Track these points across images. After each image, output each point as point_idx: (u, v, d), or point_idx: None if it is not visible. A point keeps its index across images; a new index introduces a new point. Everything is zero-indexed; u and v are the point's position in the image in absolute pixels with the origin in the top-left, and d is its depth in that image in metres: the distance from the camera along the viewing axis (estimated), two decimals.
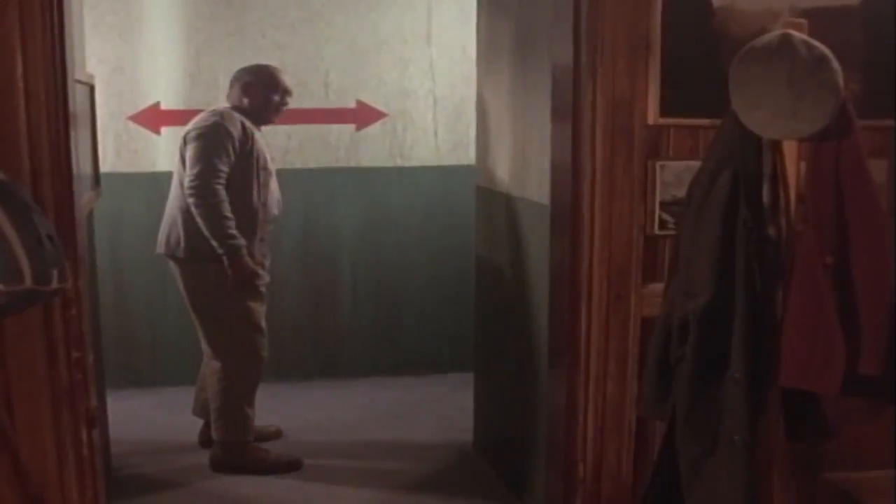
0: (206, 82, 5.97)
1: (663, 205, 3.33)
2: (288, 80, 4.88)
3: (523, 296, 4.28)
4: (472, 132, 5.49)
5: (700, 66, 3.23)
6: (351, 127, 6.25)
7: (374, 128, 6.28)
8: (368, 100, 6.28)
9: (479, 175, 4.90)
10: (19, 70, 2.79)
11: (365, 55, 6.24)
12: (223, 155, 4.62)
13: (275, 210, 4.88)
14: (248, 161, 4.68)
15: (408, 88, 6.31)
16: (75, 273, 3.00)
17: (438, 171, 6.36)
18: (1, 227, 2.55)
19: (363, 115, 6.26)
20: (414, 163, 6.35)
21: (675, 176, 3.30)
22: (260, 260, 4.81)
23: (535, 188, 4.01)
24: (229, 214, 4.59)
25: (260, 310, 4.83)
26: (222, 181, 4.61)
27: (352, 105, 6.23)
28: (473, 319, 5.10)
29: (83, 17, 4.45)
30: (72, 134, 3.05)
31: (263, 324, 4.84)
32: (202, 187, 4.56)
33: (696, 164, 3.01)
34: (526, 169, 4.18)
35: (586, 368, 3.44)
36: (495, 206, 4.64)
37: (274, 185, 4.87)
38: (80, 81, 3.66)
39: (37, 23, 2.81)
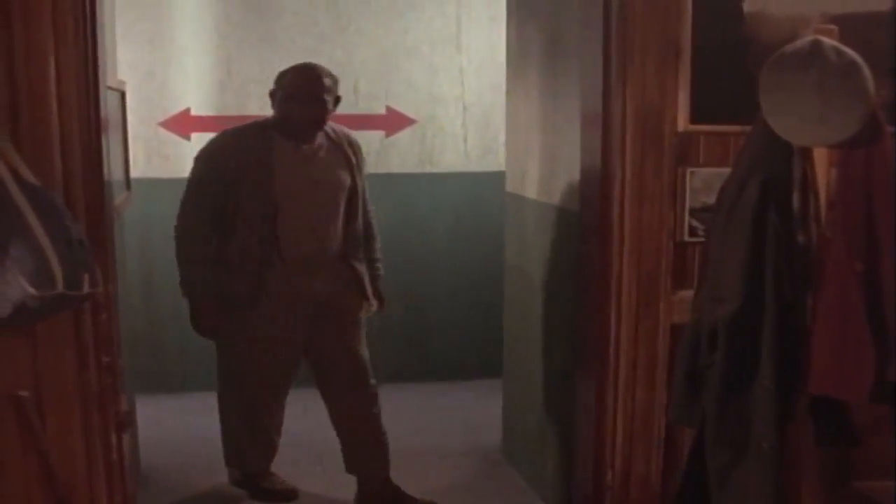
0: (236, 88, 6.00)
1: (693, 211, 3.32)
2: (313, 82, 4.08)
3: (552, 302, 4.28)
4: (502, 138, 5.49)
5: (730, 72, 3.22)
6: (380, 133, 6.26)
7: (404, 134, 6.30)
8: (398, 106, 6.29)
9: (509, 181, 4.90)
10: (52, 76, 2.81)
11: (394, 62, 6.25)
12: (204, 182, 4.13)
13: (308, 244, 4.17)
14: (258, 186, 4.05)
15: (437, 95, 6.32)
16: (106, 278, 3.01)
17: (468, 178, 6.37)
18: (33, 231, 2.57)
19: (393, 122, 6.27)
20: (443, 169, 6.36)
21: (704, 182, 3.29)
22: (270, 313, 4.17)
23: (565, 194, 4.00)
24: (195, 251, 4.15)
25: (252, 365, 4.29)
26: (199, 212, 4.12)
27: (381, 111, 6.25)
28: (502, 325, 5.10)
29: (114, 24, 4.47)
30: (103, 140, 3.07)
31: (258, 382, 4.36)
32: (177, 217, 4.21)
33: (725, 170, 3.01)
34: (555, 175, 4.18)
35: (615, 375, 3.43)
36: (524, 212, 4.64)
37: (317, 216, 4.16)
38: (111, 88, 3.69)
39: (69, 30, 2.83)
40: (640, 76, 3.25)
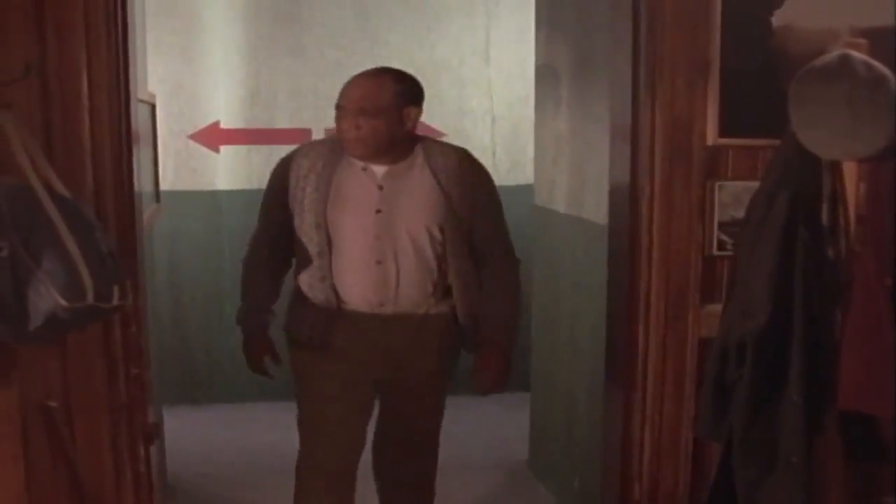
0: (266, 101, 6.03)
1: (722, 225, 3.31)
2: (361, 89, 3.47)
3: (580, 316, 4.27)
4: (530, 152, 5.50)
5: (759, 85, 3.21)
6: None
7: None
8: (426, 119, 6.27)
9: (537, 194, 4.90)
10: (84, 89, 2.83)
11: (423, 75, 6.20)
12: (267, 201, 3.67)
13: (370, 292, 3.52)
14: (312, 213, 3.49)
15: (466, 108, 6.34)
16: (135, 290, 3.03)
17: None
18: (65, 243, 2.58)
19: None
20: None
21: (733, 196, 3.28)
22: (333, 369, 3.59)
23: (593, 208, 4.00)
24: (250, 278, 3.73)
25: (320, 408, 3.68)
26: (261, 234, 3.71)
27: None
28: (530, 339, 5.09)
29: (145, 37, 4.51)
30: (134, 152, 3.09)
31: (328, 428, 3.68)
32: None
33: (754, 184, 3.00)
34: (584, 189, 4.18)
35: (643, 389, 3.42)
36: (553, 225, 4.64)
37: (380, 256, 3.48)
38: (142, 100, 3.71)
39: (102, 43, 2.85)
40: (669, 89, 3.25)
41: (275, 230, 3.64)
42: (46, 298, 2.54)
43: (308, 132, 5.89)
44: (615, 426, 3.55)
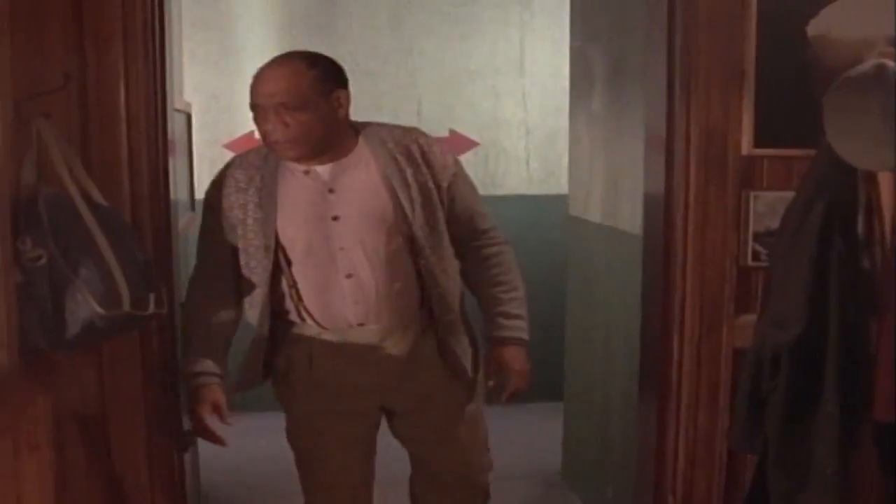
0: None
1: (757, 236, 3.29)
2: (274, 83, 2.92)
3: (614, 326, 4.26)
4: (565, 161, 5.49)
5: (794, 95, 3.20)
6: None
7: (467, 157, 6.31)
8: (461, 129, 6.31)
9: (572, 205, 4.90)
10: (122, 99, 2.86)
11: (457, 85, 6.28)
12: (204, 234, 3.15)
13: (344, 310, 3.07)
14: (258, 230, 3.02)
15: (500, 118, 6.34)
16: (171, 298, 3.05)
17: (530, 201, 6.37)
18: (102, 252, 2.61)
19: (456, 144, 6.28)
20: (506, 192, 6.37)
21: (768, 207, 3.26)
22: (315, 408, 3.19)
23: (628, 218, 3.99)
24: (190, 326, 3.12)
25: (311, 450, 3.30)
26: (201, 274, 3.14)
27: (444, 134, 6.27)
28: (564, 349, 5.08)
29: (182, 47, 4.54)
30: (170, 161, 3.12)
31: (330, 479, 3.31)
32: None
33: (789, 194, 2.98)
34: (618, 199, 4.17)
35: (677, 399, 3.41)
36: (588, 235, 4.63)
37: (347, 268, 3.02)
38: (178, 110, 3.74)
39: (139, 53, 2.88)
40: (704, 99, 3.24)
41: (218, 268, 3.10)
42: (84, 306, 2.56)
43: None
44: (649, 437, 3.54)
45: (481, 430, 3.39)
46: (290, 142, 2.91)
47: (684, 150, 3.27)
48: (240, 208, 3.02)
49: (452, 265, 3.17)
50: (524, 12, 6.35)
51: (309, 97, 2.90)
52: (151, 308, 2.68)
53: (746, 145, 3.25)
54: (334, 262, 3.00)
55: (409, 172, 3.03)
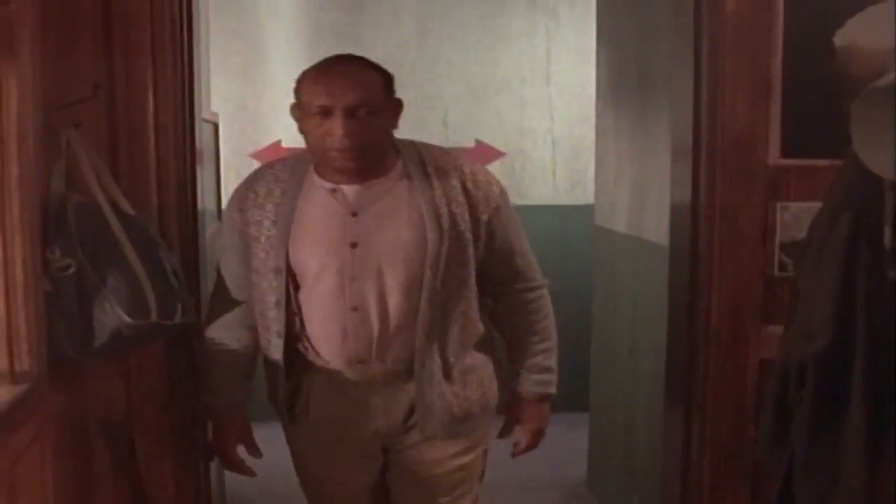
0: None
1: (783, 246, 3.28)
2: (338, 83, 2.66)
3: (640, 336, 4.25)
4: (591, 171, 5.49)
5: (821, 105, 3.18)
6: None
7: (493, 167, 6.31)
8: (487, 139, 6.32)
9: (598, 214, 4.89)
10: (150, 109, 2.87)
11: (484, 94, 6.29)
12: (224, 252, 2.94)
13: (351, 348, 2.80)
14: (271, 252, 2.78)
15: (526, 128, 6.36)
16: (198, 307, 3.06)
17: (556, 211, 6.38)
18: (129, 261, 2.62)
19: (482, 154, 6.30)
20: (532, 202, 6.37)
21: (795, 217, 3.25)
22: (315, 447, 3.03)
23: (654, 228, 3.99)
24: (211, 362, 2.95)
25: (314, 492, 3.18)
26: (221, 300, 2.94)
27: (471, 144, 6.28)
28: (589, 358, 5.08)
29: (209, 57, 4.56)
30: (197, 171, 3.13)
31: None
32: None
33: (816, 205, 2.97)
34: (644, 209, 4.17)
35: (703, 410, 3.40)
36: (613, 245, 4.63)
37: (362, 302, 2.75)
38: (205, 120, 3.76)
39: (167, 64, 2.90)
40: (731, 109, 3.23)
41: (237, 289, 2.90)
42: (111, 315, 2.58)
43: None
44: (675, 447, 3.53)
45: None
46: (357, 149, 2.64)
47: (711, 161, 3.26)
48: (255, 225, 2.78)
49: (475, 308, 2.88)
50: (550, 22, 6.36)
51: (383, 101, 2.70)
52: (178, 317, 2.70)
53: (773, 155, 3.24)
54: (343, 292, 2.73)
55: (444, 202, 2.74)
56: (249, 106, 6.06)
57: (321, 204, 2.76)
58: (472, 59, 6.27)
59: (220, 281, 2.93)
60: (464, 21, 6.28)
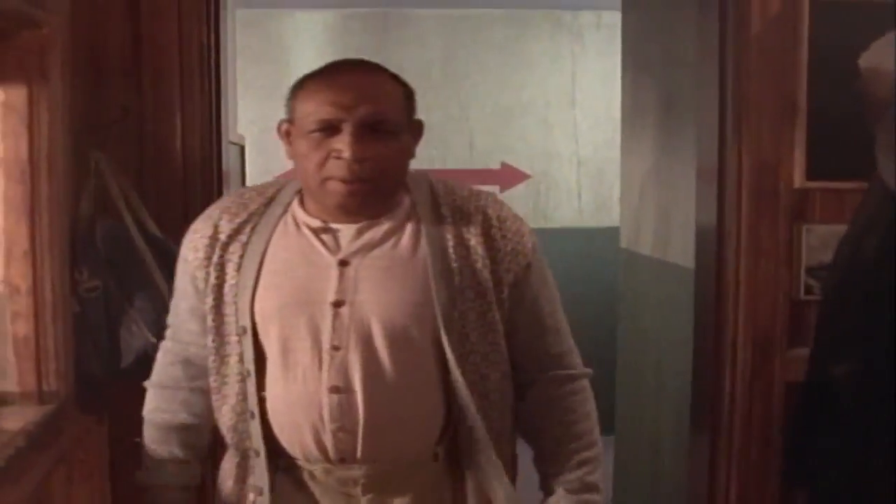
0: None
1: (809, 270, 3.27)
2: (347, 90, 2.04)
3: (665, 359, 4.24)
4: (616, 194, 5.49)
5: (846, 128, 3.18)
6: (495, 188, 6.31)
7: (518, 189, 6.34)
8: (513, 161, 6.33)
9: (623, 237, 4.89)
10: (178, 131, 2.90)
11: (509, 117, 6.31)
12: (175, 303, 2.28)
13: (327, 440, 2.07)
14: (234, 294, 2.11)
15: (552, 150, 6.37)
16: None
17: (582, 233, 6.38)
18: (156, 282, 2.64)
19: (507, 177, 6.31)
20: (557, 224, 6.38)
21: (821, 240, 3.24)
22: None
23: (679, 251, 3.98)
24: (155, 436, 2.28)
25: None
26: (169, 362, 2.30)
27: (496, 166, 6.30)
28: (614, 382, 5.07)
29: (236, 81, 4.59)
30: (224, 193, 3.15)
31: None
32: None
33: (842, 228, 2.97)
34: (669, 232, 4.16)
35: (729, 433, 3.38)
36: (639, 268, 4.62)
37: (346, 381, 2.03)
38: (232, 142, 3.78)
39: (195, 87, 2.93)
40: (756, 132, 3.23)
41: (193, 346, 2.24)
42: (138, 336, 2.59)
43: None
44: (700, 471, 3.52)
45: None
46: (369, 180, 2.01)
47: (736, 183, 3.26)
48: (216, 268, 2.12)
49: (503, 392, 2.18)
50: (575, 45, 6.38)
51: (403, 121, 2.09)
52: None
53: (799, 178, 3.24)
54: (318, 368, 2.04)
55: (458, 252, 2.08)
56: (275, 128, 6.09)
57: (300, 247, 2.10)
58: (497, 82, 6.30)
59: (171, 337, 2.30)
60: (489, 44, 6.31)
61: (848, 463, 2.79)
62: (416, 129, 2.16)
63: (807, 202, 3.27)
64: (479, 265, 2.08)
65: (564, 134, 6.39)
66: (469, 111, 6.24)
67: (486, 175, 6.27)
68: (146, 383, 2.33)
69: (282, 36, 6.16)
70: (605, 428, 5.18)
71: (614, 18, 5.27)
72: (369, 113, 2.00)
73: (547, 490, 2.25)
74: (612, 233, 5.39)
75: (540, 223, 6.37)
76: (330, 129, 2.00)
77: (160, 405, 2.28)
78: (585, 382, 2.30)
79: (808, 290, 3.28)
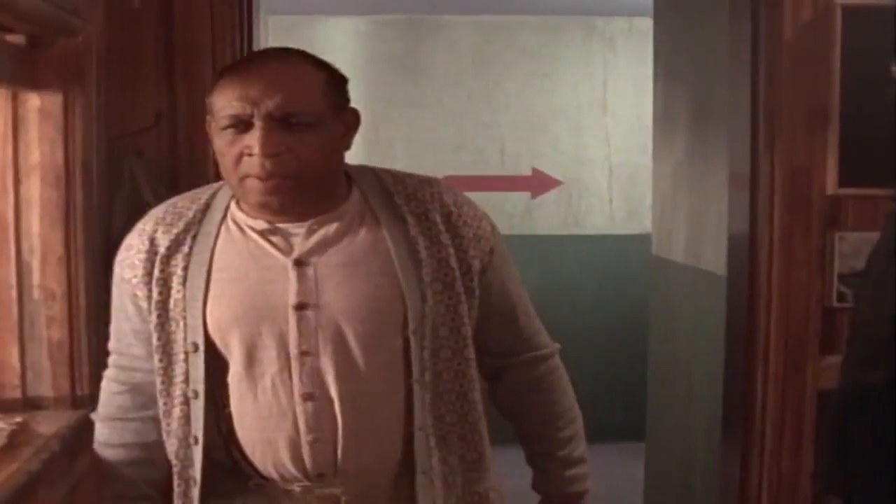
0: (383, 150, 6.11)
1: (842, 277, 3.26)
2: (255, 81, 1.86)
3: (697, 367, 4.23)
4: (648, 201, 5.48)
5: (879, 135, 3.17)
6: (526, 194, 6.31)
7: (550, 195, 6.33)
8: (544, 168, 6.33)
9: (655, 244, 4.88)
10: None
11: (541, 123, 6.31)
12: (115, 321, 2.10)
13: (294, 455, 1.93)
14: (181, 309, 1.96)
15: (583, 156, 6.36)
16: None
17: (613, 240, 6.37)
18: None
19: (539, 183, 6.31)
20: (589, 231, 6.37)
21: (853, 247, 3.23)
22: None
23: (711, 258, 3.97)
24: (104, 452, 2.10)
25: None
26: (113, 387, 2.10)
27: (527, 172, 6.30)
28: (646, 389, 5.06)
29: None
30: None
31: None
32: None
33: (875, 235, 2.95)
34: (702, 238, 4.15)
35: (761, 441, 3.38)
36: (670, 275, 4.61)
37: (311, 388, 1.91)
38: None
39: None
40: (789, 139, 3.23)
41: (138, 372, 2.06)
42: None
43: None
44: (732, 479, 3.51)
45: None
46: (284, 177, 1.87)
47: (768, 190, 3.26)
48: (158, 283, 1.96)
49: (475, 389, 2.06)
50: (607, 51, 6.38)
51: (323, 111, 1.92)
52: None
53: (831, 185, 3.23)
54: (288, 376, 1.92)
55: (422, 243, 1.97)
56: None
57: (249, 251, 1.96)
58: (529, 88, 6.30)
59: (113, 362, 2.12)
60: (521, 50, 6.31)
61: (883, 471, 2.78)
62: (349, 119, 2.02)
63: (839, 209, 3.26)
64: (444, 254, 1.98)
65: (596, 140, 6.39)
66: (501, 117, 6.24)
67: (517, 181, 6.27)
68: (93, 416, 2.17)
69: (314, 42, 6.17)
70: (636, 434, 5.21)
71: (646, 24, 5.26)
72: (277, 105, 1.84)
73: (536, 467, 2.24)
74: (643, 239, 5.38)
75: (571, 230, 6.37)
76: (241, 124, 1.85)
77: (110, 439, 2.09)
78: (558, 359, 2.24)
79: (841, 298, 3.27)
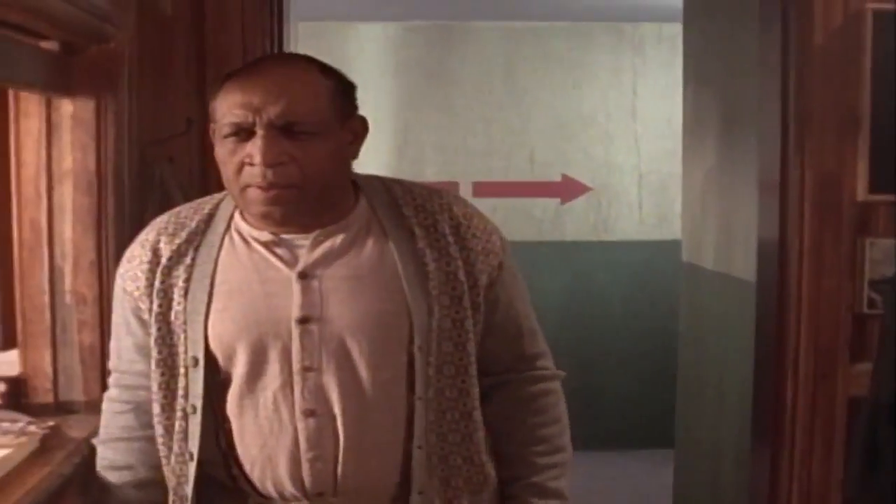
0: (413, 156, 6.13)
1: (872, 283, 3.25)
2: (258, 88, 1.83)
3: (727, 373, 4.22)
4: (678, 207, 5.47)
5: None
6: (556, 200, 6.31)
7: (579, 202, 6.33)
8: (573, 174, 6.33)
9: (685, 250, 4.87)
10: None
11: (570, 130, 6.31)
12: (116, 329, 2.06)
13: (295, 473, 1.89)
14: (182, 322, 1.92)
15: (613, 163, 6.36)
16: None
17: (643, 246, 6.36)
18: None
19: (568, 189, 6.31)
20: (618, 237, 6.37)
21: (884, 253, 3.22)
22: None
23: (741, 264, 3.96)
24: (105, 475, 2.04)
25: None
26: (114, 395, 2.06)
27: (557, 179, 6.30)
28: (675, 395, 5.05)
29: None
30: None
31: None
32: None
33: None
34: (732, 245, 4.14)
35: (791, 448, 3.36)
36: (700, 282, 4.60)
37: (314, 405, 1.87)
38: None
39: None
40: (819, 145, 3.22)
41: (140, 389, 2.01)
42: None
43: (455, 185, 5.96)
44: (762, 486, 3.50)
45: None
46: (287, 188, 1.83)
47: (798, 196, 3.25)
48: (159, 295, 1.92)
49: (478, 408, 1.99)
50: (636, 58, 6.38)
51: (328, 119, 1.89)
52: None
53: (861, 191, 3.22)
54: (290, 391, 1.87)
55: (429, 256, 1.92)
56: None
57: (253, 263, 1.91)
58: (558, 94, 6.30)
59: (115, 378, 2.08)
60: (550, 56, 6.31)
61: None
62: (356, 127, 2.00)
63: (870, 215, 3.25)
64: (452, 268, 1.92)
65: (626, 146, 6.38)
66: (530, 123, 6.24)
67: (546, 187, 6.27)
68: (94, 441, 2.10)
69: (344, 48, 6.20)
70: (665, 441, 5.20)
71: (676, 30, 5.26)
72: (279, 113, 1.80)
73: (507, 495, 2.05)
74: (673, 246, 5.37)
75: (601, 236, 6.37)
76: (243, 132, 1.82)
77: (115, 461, 2.03)
78: (558, 385, 2.12)
79: (871, 304, 3.25)
